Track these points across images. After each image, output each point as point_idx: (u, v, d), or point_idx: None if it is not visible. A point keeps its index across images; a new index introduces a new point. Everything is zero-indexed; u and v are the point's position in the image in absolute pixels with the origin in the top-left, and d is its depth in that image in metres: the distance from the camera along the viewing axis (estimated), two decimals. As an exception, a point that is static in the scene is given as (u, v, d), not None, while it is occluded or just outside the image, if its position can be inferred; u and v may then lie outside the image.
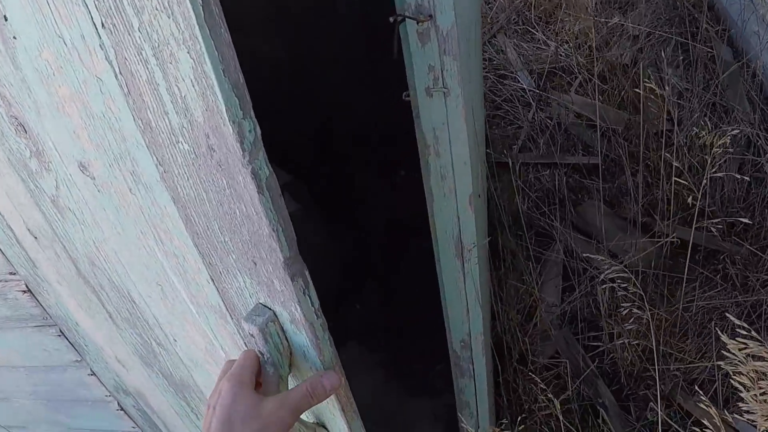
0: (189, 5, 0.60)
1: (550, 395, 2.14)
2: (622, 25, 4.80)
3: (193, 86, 0.66)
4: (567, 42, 4.85)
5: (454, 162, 1.42)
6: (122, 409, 1.81)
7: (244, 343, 1.01)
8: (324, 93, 3.31)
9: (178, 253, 0.92)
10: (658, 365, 2.72)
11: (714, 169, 2.06)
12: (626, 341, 2.71)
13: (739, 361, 1.26)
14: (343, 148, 3.68)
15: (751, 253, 3.11)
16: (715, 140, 2.25)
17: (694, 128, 3.52)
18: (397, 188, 3.55)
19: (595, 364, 2.83)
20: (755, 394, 1.33)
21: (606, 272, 2.35)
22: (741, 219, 2.10)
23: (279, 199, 0.74)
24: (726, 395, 2.71)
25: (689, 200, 2.11)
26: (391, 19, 1.17)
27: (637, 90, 4.26)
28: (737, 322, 1.32)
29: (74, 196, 0.97)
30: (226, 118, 0.66)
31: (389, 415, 3.19)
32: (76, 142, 0.84)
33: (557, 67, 4.68)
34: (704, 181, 2.00)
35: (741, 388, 1.31)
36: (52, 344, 1.60)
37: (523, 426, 2.78)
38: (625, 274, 2.87)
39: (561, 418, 2.32)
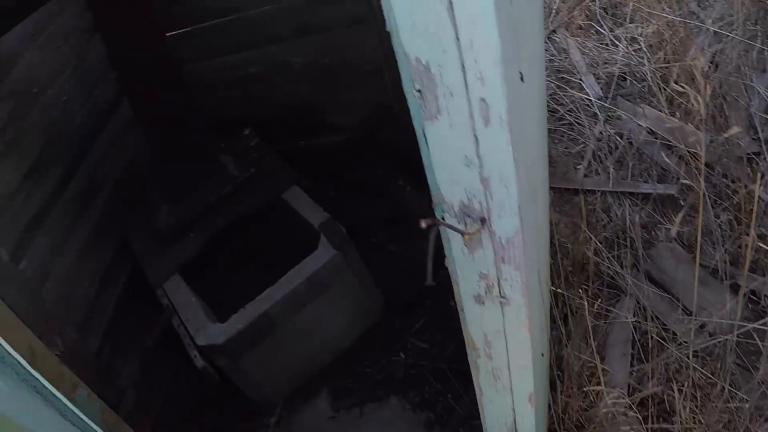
0: None
1: None
2: (701, 22, 4.23)
3: None
4: (637, 41, 4.30)
5: (511, 366, 1.01)
6: None
7: None
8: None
9: None
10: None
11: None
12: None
13: None
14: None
15: None
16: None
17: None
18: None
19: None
20: None
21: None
22: None
23: None
24: None
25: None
26: (423, 225, 0.75)
27: (719, 101, 3.76)
28: None
29: None
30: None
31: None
32: None
33: (627, 72, 4.14)
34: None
35: None
36: None
37: None
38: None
39: None
